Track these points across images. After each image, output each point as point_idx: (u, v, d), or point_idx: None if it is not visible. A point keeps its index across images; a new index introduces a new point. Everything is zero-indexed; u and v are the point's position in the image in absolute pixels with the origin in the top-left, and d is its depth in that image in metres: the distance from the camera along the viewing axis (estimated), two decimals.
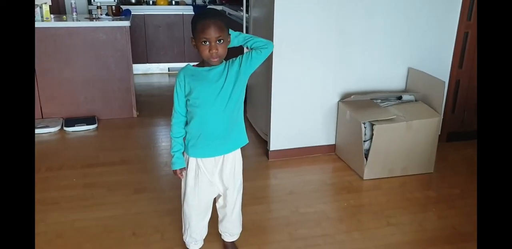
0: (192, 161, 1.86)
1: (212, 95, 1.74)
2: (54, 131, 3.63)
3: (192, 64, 1.80)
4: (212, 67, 1.74)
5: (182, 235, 2.06)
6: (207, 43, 1.65)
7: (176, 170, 1.88)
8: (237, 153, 1.92)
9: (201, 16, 1.69)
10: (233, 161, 1.90)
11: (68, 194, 2.65)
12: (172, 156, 1.86)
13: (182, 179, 1.93)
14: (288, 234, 2.30)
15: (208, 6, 5.65)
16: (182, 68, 1.79)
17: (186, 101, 1.79)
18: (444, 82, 2.92)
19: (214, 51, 1.65)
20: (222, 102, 1.75)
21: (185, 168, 1.88)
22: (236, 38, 1.77)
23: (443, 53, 3.25)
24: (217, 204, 2.03)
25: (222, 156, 1.87)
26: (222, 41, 1.67)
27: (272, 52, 1.79)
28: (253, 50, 1.76)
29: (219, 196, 1.99)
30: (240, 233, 2.12)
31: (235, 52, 1.92)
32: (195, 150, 1.84)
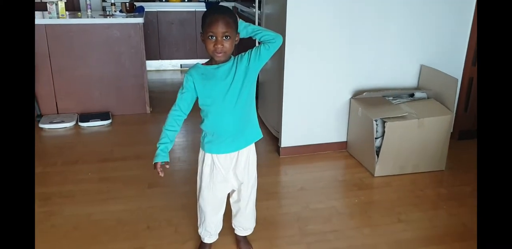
0: (208, 157, 1.89)
1: (222, 92, 1.75)
2: (70, 126, 3.69)
3: (201, 62, 1.80)
4: (220, 64, 1.74)
5: (195, 229, 2.10)
6: (213, 38, 1.66)
7: (156, 163, 1.78)
8: (251, 148, 1.94)
9: (211, 11, 1.70)
10: (248, 156, 1.92)
11: (84, 187, 2.71)
12: (157, 148, 1.80)
13: (198, 174, 1.96)
14: (299, 229, 2.33)
15: (220, 3, 5.68)
16: (192, 67, 1.79)
17: (197, 100, 1.80)
18: (457, 79, 2.92)
19: (219, 46, 1.66)
20: (232, 99, 1.76)
21: (168, 163, 1.81)
22: (245, 29, 1.77)
23: (456, 50, 3.25)
24: (231, 199, 2.05)
25: (237, 152, 1.89)
26: (228, 37, 1.67)
27: (281, 45, 1.78)
28: (262, 45, 1.75)
29: (233, 191, 2.01)
30: (254, 228, 2.15)
31: (246, 45, 1.92)
32: (210, 146, 1.86)
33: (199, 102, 1.81)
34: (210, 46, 1.68)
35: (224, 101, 1.76)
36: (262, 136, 1.94)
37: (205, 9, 5.56)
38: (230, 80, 1.74)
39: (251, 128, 1.90)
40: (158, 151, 1.80)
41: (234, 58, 1.77)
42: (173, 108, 1.83)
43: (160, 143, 1.81)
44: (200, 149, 1.91)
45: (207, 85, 1.76)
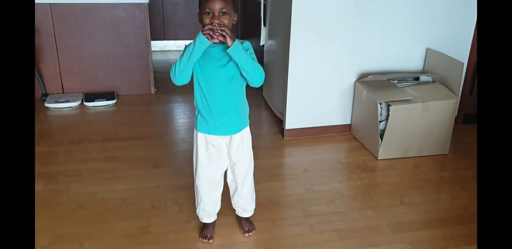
0: (201, 136, 1.89)
1: (215, 72, 1.75)
2: (75, 106, 3.71)
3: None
4: (216, 43, 1.70)
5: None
6: (211, 14, 1.65)
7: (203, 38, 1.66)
8: (245, 131, 1.94)
9: None
10: (241, 138, 1.92)
11: (89, 167, 2.73)
12: (194, 45, 1.68)
13: (194, 154, 1.97)
14: (302, 210, 2.35)
15: None
16: (189, 44, 1.75)
17: (192, 75, 1.79)
18: (463, 63, 2.90)
19: (216, 21, 1.64)
20: (226, 78, 1.76)
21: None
22: (237, 53, 1.66)
23: (463, 33, 3.21)
24: (227, 179, 2.05)
25: (230, 136, 1.90)
26: (226, 13, 1.66)
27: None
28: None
29: (228, 170, 2.02)
30: (254, 210, 2.16)
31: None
32: (202, 125, 1.87)
33: (194, 78, 1.79)
34: (207, 22, 1.66)
35: (218, 79, 1.76)
36: (248, 123, 1.95)
37: None
38: (226, 60, 1.73)
39: (243, 111, 1.90)
40: (197, 43, 1.68)
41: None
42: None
43: (190, 45, 1.71)
44: (194, 128, 1.92)
45: (202, 63, 1.75)
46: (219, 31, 1.64)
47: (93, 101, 3.74)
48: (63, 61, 3.80)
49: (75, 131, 3.25)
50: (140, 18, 3.84)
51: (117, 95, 3.93)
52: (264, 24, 3.65)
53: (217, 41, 1.66)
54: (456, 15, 3.13)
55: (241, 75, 1.77)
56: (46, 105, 3.65)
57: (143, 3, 3.81)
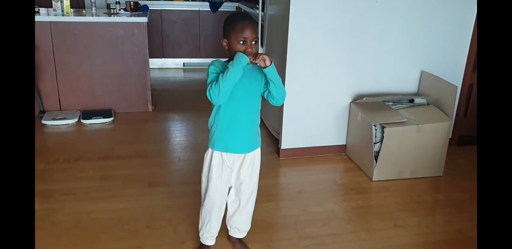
0: (216, 154, 1.91)
1: (245, 88, 1.82)
2: (72, 123, 3.72)
3: (223, 60, 1.86)
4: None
5: (194, 229, 2.12)
6: (244, 43, 1.76)
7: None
8: (258, 152, 1.99)
9: (240, 17, 1.81)
10: (253, 158, 1.96)
11: (85, 185, 2.73)
12: (236, 65, 1.73)
13: (203, 175, 1.97)
14: (296, 232, 2.35)
15: (224, 3, 5.69)
16: (213, 61, 1.83)
17: None
18: (456, 87, 2.94)
19: (249, 50, 1.76)
20: (254, 94, 1.86)
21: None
22: (272, 72, 1.80)
23: (457, 57, 3.28)
24: (228, 199, 2.05)
25: (244, 154, 1.93)
26: (256, 42, 1.79)
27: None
28: (268, 92, 1.87)
29: (232, 190, 2.03)
30: (248, 232, 2.16)
31: None
32: (219, 144, 1.89)
33: None
34: (241, 50, 1.77)
35: (248, 96, 1.84)
36: (260, 144, 2.01)
37: (209, 9, 5.61)
38: (253, 79, 1.83)
39: (258, 131, 1.97)
40: (236, 64, 1.74)
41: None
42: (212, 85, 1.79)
43: (232, 66, 1.74)
44: (209, 148, 1.93)
45: None
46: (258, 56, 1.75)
47: (90, 118, 3.75)
48: (61, 79, 3.83)
49: (71, 149, 3.25)
50: (138, 37, 3.89)
51: (114, 113, 3.95)
52: (262, 45, 3.70)
53: (255, 62, 1.77)
54: (449, 38, 3.20)
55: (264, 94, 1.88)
56: (43, 122, 3.66)
57: (142, 22, 3.86)
